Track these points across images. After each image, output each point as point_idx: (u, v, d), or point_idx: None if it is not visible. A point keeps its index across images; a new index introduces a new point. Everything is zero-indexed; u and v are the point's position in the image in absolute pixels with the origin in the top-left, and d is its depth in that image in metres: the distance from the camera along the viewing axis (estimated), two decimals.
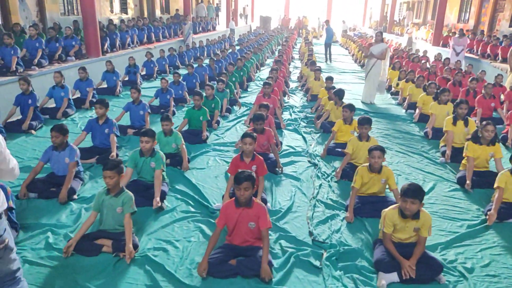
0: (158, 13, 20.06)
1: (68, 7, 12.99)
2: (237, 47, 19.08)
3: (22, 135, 6.18)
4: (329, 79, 8.39)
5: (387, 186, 4.14)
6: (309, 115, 8.04)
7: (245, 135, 4.15)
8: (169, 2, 21.89)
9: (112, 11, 15.67)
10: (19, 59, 7.65)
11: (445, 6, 16.76)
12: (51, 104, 7.53)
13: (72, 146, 4.37)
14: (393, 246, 3.22)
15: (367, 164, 4.13)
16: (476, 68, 11.47)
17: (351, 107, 5.68)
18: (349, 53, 21.65)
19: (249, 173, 3.13)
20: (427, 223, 3.19)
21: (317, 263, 3.25)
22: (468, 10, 19.18)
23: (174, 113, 7.83)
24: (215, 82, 11.18)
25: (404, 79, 9.55)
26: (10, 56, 7.48)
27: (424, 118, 7.66)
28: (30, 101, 6.46)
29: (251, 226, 3.19)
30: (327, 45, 18.29)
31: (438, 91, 6.85)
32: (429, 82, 7.84)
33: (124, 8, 16.70)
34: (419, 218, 3.21)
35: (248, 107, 8.64)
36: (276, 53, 19.98)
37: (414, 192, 3.11)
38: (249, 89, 10.70)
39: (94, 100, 8.17)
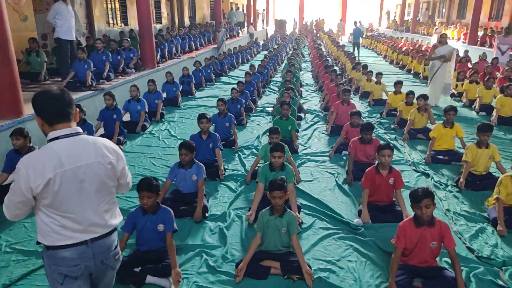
0: (186, 21, 20.07)
1: (111, 19, 13.00)
2: (265, 52, 19.13)
3: None
4: (399, 83, 8.25)
5: None
6: (383, 121, 7.90)
7: (383, 147, 4.03)
8: (195, 10, 21.90)
9: None
10: (92, 73, 7.60)
11: (481, 4, 16.56)
12: (126, 117, 7.46)
13: (198, 163, 4.28)
14: None
15: (510, 173, 3.99)
16: None
17: (456, 110, 5.54)
18: (378, 54, 21.47)
19: (426, 189, 2.99)
20: None
21: (500, 282, 3.10)
22: (502, 7, 18.93)
23: (246, 123, 7.73)
24: (264, 89, 11.25)
25: (468, 80, 9.38)
26: (84, 70, 7.43)
27: (500, 120, 7.50)
28: (115, 116, 6.41)
29: (433, 246, 3.05)
30: (356, 44, 19.32)
31: None
32: (508, 83, 7.67)
33: (158, 18, 16.70)
34: None
35: (315, 115, 8.51)
36: (308, 57, 19.93)
37: None
38: (303, 95, 10.59)
39: (164, 112, 8.14)
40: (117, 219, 2.15)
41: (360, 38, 20.26)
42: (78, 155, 1.93)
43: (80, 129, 2.01)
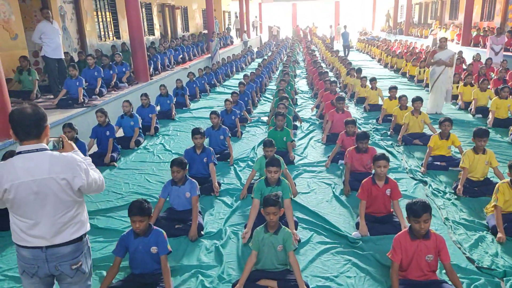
0: (179, 32, 20.09)
1: (103, 33, 12.98)
2: (259, 60, 19.21)
3: (105, 169, 6.04)
4: (394, 88, 8.22)
5: None
6: (379, 127, 7.85)
7: (378, 158, 3.97)
8: (188, 20, 21.94)
9: None
10: (84, 90, 7.55)
11: (472, 5, 16.65)
12: (119, 133, 7.40)
13: (191, 180, 4.21)
14: None
15: (507, 180, 3.94)
16: None
17: (451, 121, 5.47)
18: (372, 58, 21.50)
19: (424, 203, 2.94)
20: None
21: None
22: (493, 7, 19.01)
23: (241, 134, 7.67)
24: (259, 98, 11.21)
25: (462, 83, 9.35)
26: (75, 87, 7.39)
27: (496, 123, 7.47)
28: (108, 133, 6.34)
29: (429, 259, 2.99)
30: (346, 47, 21.93)
31: None
32: (503, 86, 7.65)
33: (151, 30, 16.70)
34: None
35: (310, 123, 8.45)
36: (302, 63, 19.94)
37: None
38: (298, 102, 10.55)
39: (158, 126, 8.08)
40: (78, 233, 2.29)
41: (351, 42, 23.39)
42: (32, 170, 2.12)
43: (44, 146, 2.20)
